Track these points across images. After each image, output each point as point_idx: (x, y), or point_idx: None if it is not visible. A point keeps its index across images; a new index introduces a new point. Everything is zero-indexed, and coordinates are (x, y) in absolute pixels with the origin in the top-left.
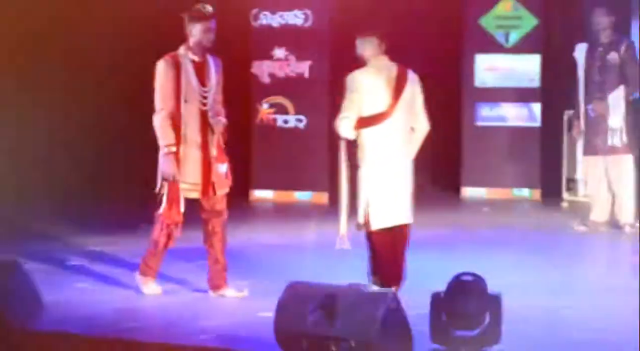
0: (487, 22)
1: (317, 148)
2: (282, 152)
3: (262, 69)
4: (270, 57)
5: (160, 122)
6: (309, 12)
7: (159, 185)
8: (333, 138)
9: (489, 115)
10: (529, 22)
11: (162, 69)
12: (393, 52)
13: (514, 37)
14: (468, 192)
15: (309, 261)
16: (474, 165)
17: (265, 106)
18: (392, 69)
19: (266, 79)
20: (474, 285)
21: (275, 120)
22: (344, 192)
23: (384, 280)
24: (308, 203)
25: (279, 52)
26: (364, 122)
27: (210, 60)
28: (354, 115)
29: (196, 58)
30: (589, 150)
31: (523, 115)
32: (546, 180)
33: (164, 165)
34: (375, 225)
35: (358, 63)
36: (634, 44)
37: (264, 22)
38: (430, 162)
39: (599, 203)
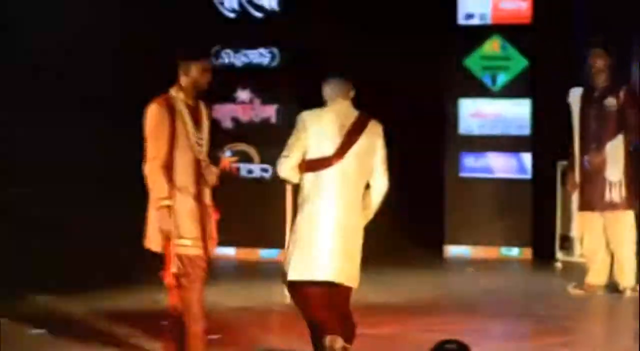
0: (473, 63)
1: (284, 202)
2: (245, 204)
3: (224, 113)
4: (233, 100)
5: (153, 172)
6: (275, 50)
7: (155, 244)
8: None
9: (474, 166)
10: (519, 63)
11: (156, 113)
12: (368, 95)
13: (502, 79)
14: (451, 250)
15: (276, 325)
16: (458, 221)
17: (227, 154)
18: (351, 115)
19: (229, 124)
20: None
21: (238, 169)
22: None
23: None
24: (274, 262)
25: (243, 95)
26: (307, 166)
27: (201, 103)
28: (296, 155)
29: (190, 101)
30: (585, 206)
31: (512, 166)
32: (538, 238)
33: (163, 220)
34: (291, 275)
35: None
36: (634, 89)
37: (226, 61)
38: (410, 217)
39: (596, 264)
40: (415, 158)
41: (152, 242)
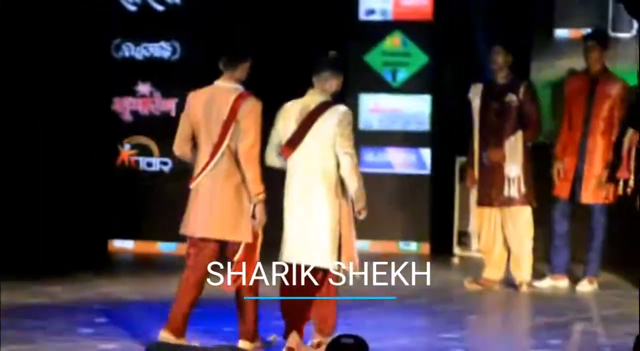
0: (373, 58)
1: (184, 195)
2: (144, 198)
3: (124, 106)
4: (133, 93)
5: (258, 167)
6: (177, 44)
7: (247, 235)
8: None
9: (373, 161)
10: (419, 59)
11: (260, 108)
12: (266, 89)
13: (403, 75)
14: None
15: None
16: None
17: (126, 147)
18: (315, 103)
19: (128, 117)
20: (355, 348)
21: (137, 162)
22: None
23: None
24: (173, 255)
25: (143, 88)
26: (282, 153)
27: None
28: (272, 143)
29: None
30: (483, 201)
31: (411, 162)
32: (436, 233)
33: (262, 213)
34: (281, 258)
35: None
36: (533, 85)
37: (127, 54)
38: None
39: (493, 259)
40: None
41: (244, 233)
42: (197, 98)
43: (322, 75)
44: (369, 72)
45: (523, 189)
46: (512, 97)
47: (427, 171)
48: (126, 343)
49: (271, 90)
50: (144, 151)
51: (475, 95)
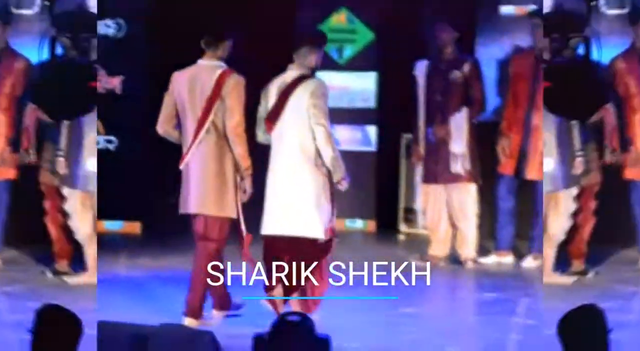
0: None
1: (130, 173)
2: None
3: None
4: None
5: (245, 141)
6: (121, 21)
7: (232, 210)
8: (148, 162)
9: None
10: (365, 36)
11: (244, 87)
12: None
13: (348, 52)
14: None
15: (120, 298)
16: None
17: None
18: (292, 76)
19: None
20: (300, 326)
21: None
22: None
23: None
24: (118, 233)
25: None
26: (265, 127)
27: None
28: (260, 120)
29: None
30: (429, 178)
31: (357, 139)
32: (381, 210)
33: (249, 187)
34: (262, 230)
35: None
36: (478, 62)
37: None
38: (256, 191)
39: (439, 236)
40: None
41: (229, 209)
42: (180, 78)
43: (301, 50)
44: None
45: (468, 166)
46: (457, 74)
47: (372, 148)
48: None
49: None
50: None
51: (420, 72)
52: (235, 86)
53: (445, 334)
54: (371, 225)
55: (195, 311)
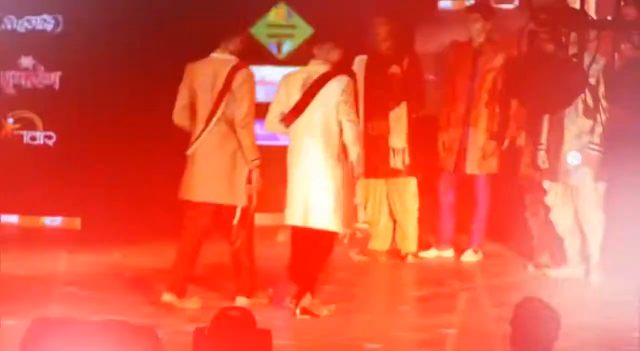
0: (258, 30)
1: (68, 169)
2: (28, 172)
3: (7, 80)
4: (15, 67)
5: (253, 133)
6: (59, 16)
7: (242, 199)
8: (86, 157)
9: (259, 133)
10: (304, 31)
11: (254, 81)
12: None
13: (288, 47)
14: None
15: (59, 294)
16: None
17: (10, 121)
18: (318, 72)
19: (11, 91)
20: (240, 320)
21: (21, 136)
22: None
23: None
24: (57, 229)
25: (26, 61)
26: (284, 120)
27: None
28: (273, 110)
29: None
30: (369, 172)
31: None
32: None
33: (258, 179)
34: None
35: (115, 75)
36: (417, 57)
37: (9, 27)
38: None
39: (379, 231)
40: None
41: (239, 197)
42: (194, 69)
43: (325, 45)
44: (254, 44)
45: (408, 160)
46: (396, 69)
47: None
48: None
49: (157, 56)
50: (28, 125)
51: (359, 67)
52: (245, 79)
53: (382, 328)
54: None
55: (246, 291)
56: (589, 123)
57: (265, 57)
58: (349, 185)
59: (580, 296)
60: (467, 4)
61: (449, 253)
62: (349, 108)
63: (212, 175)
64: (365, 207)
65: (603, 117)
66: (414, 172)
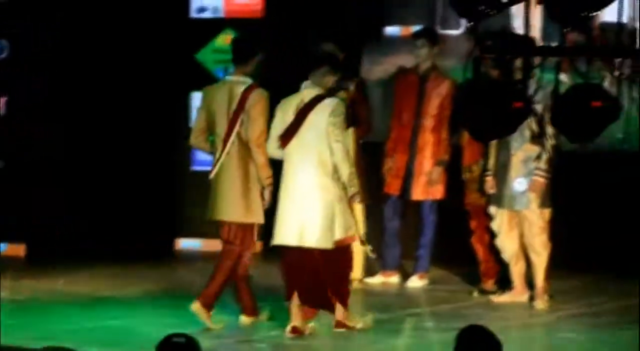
0: (205, 56)
1: (14, 195)
2: None
3: None
4: None
5: (265, 152)
6: (4, 42)
7: (258, 216)
8: (32, 184)
9: (205, 159)
10: None
11: (267, 101)
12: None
13: None
14: (183, 243)
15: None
16: (190, 214)
17: None
18: (309, 96)
19: None
20: (186, 347)
21: None
22: None
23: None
24: (2, 255)
25: None
26: (279, 143)
27: None
28: (272, 135)
29: None
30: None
31: None
32: (269, 230)
33: (270, 196)
34: (273, 241)
35: (59, 102)
36: (364, 83)
37: None
38: (141, 210)
39: None
40: (147, 152)
41: (257, 215)
42: (210, 92)
43: (319, 71)
44: (201, 70)
45: (355, 187)
46: (342, 95)
47: None
48: None
49: (102, 85)
50: None
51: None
52: (258, 100)
53: None
54: (259, 245)
55: (249, 311)
56: (535, 149)
57: (212, 83)
58: (344, 204)
59: (524, 322)
60: (413, 30)
61: (394, 279)
62: (337, 129)
63: (228, 195)
64: None
65: (550, 143)
66: (361, 197)
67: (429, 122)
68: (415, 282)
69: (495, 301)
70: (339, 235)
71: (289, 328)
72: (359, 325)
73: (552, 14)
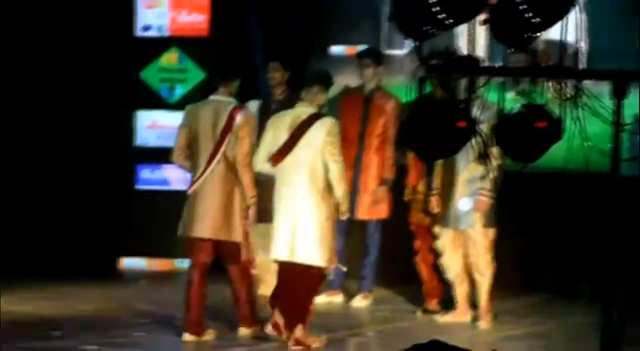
0: (149, 75)
1: None
2: None
3: None
4: None
5: (251, 171)
6: None
7: (238, 235)
8: None
9: (150, 177)
10: (196, 75)
11: (254, 122)
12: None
13: (180, 91)
14: (126, 262)
15: None
16: (133, 233)
17: None
18: (304, 115)
19: None
20: None
21: None
22: None
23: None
24: None
25: None
26: (271, 160)
27: None
28: (262, 151)
29: None
30: (261, 217)
31: (187, 178)
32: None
33: (255, 214)
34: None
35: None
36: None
37: None
38: (83, 228)
39: (269, 277)
40: (91, 170)
41: (236, 233)
42: (194, 111)
43: (313, 89)
44: (146, 88)
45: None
46: None
47: None
48: None
49: (46, 102)
50: None
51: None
52: (246, 120)
53: None
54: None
55: (247, 322)
56: (479, 169)
57: (157, 101)
58: (332, 222)
59: (468, 342)
60: (359, 49)
61: (338, 298)
62: (334, 149)
63: (210, 213)
64: (256, 253)
65: (494, 163)
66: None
67: (373, 142)
68: (359, 302)
69: (439, 321)
70: (328, 254)
71: (291, 341)
72: (315, 345)
73: (496, 34)
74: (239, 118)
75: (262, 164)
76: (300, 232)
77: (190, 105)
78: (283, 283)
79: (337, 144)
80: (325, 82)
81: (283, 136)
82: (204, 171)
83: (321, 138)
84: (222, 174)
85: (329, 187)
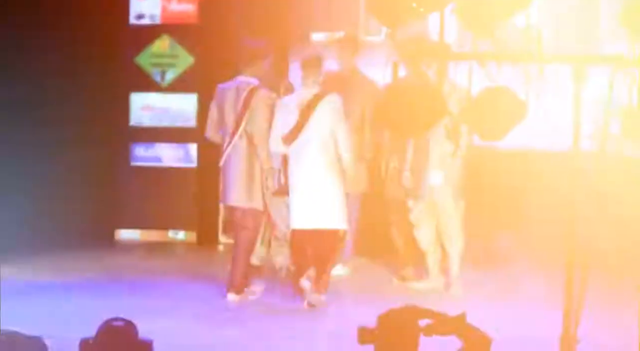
0: (143, 60)
1: None
2: None
3: None
4: None
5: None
6: None
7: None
8: None
9: (144, 155)
10: (185, 60)
11: (271, 101)
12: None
13: (170, 75)
14: (122, 233)
15: None
16: (129, 206)
17: None
18: (312, 92)
19: None
20: (124, 330)
21: None
22: None
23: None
24: None
25: None
26: (284, 139)
27: None
28: (274, 131)
29: None
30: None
31: (179, 156)
32: (203, 222)
33: (272, 182)
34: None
35: None
36: (292, 86)
37: None
38: (84, 201)
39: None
40: (90, 148)
41: (258, 202)
42: (222, 91)
43: (315, 71)
44: (140, 73)
45: (284, 180)
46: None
47: (194, 164)
48: None
49: (50, 85)
50: None
51: None
52: (262, 100)
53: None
54: (192, 236)
55: (238, 287)
56: (450, 146)
57: (150, 85)
58: (343, 190)
59: (440, 308)
60: (337, 36)
61: None
62: (340, 121)
63: (234, 182)
64: None
65: (463, 140)
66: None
67: (353, 123)
68: (339, 270)
69: (414, 288)
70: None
71: (305, 303)
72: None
73: (464, 22)
74: (255, 97)
75: (276, 145)
76: (319, 202)
77: (219, 85)
78: (304, 250)
79: (342, 117)
80: (322, 63)
81: (292, 117)
82: (228, 145)
83: (328, 114)
84: (244, 148)
85: (338, 159)
